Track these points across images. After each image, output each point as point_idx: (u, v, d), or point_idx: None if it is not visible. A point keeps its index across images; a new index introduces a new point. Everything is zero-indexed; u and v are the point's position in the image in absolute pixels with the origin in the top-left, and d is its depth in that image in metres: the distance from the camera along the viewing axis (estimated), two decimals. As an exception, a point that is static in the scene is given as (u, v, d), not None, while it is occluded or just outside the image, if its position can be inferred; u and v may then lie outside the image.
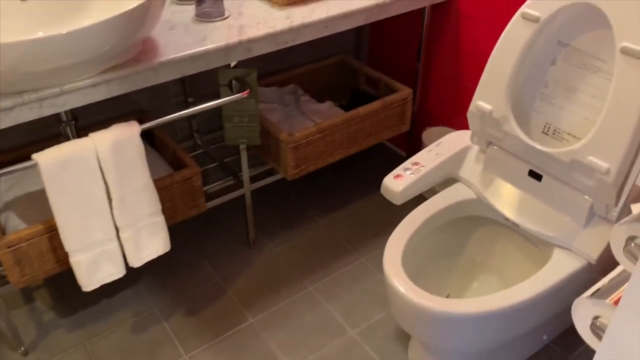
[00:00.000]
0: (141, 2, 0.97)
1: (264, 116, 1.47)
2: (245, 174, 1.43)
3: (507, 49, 1.05)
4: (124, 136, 1.04)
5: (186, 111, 1.17)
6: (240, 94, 1.22)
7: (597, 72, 1.01)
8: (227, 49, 1.14)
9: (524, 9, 1.02)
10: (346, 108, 1.68)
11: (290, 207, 1.70)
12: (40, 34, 0.89)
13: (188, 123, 1.62)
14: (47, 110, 0.99)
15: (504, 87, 1.07)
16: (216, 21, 1.21)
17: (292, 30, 1.21)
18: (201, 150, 1.63)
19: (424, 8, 1.52)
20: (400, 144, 1.88)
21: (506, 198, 1.16)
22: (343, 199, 1.73)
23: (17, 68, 0.89)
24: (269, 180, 1.53)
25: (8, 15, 1.07)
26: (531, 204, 1.12)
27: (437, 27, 1.57)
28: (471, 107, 1.14)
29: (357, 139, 1.55)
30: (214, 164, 1.59)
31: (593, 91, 1.02)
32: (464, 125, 1.62)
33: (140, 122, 1.09)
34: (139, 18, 0.98)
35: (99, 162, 1.03)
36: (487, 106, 1.10)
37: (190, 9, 1.26)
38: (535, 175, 1.11)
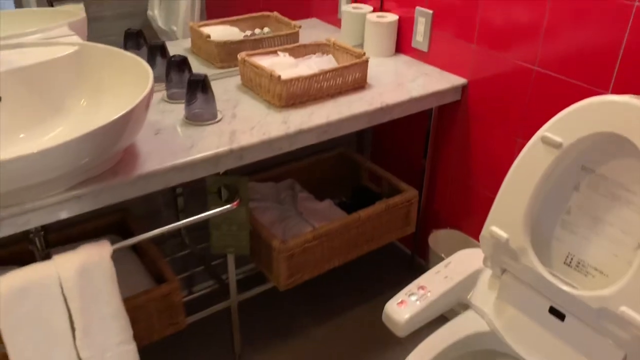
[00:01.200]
0: (124, 112, 0.86)
1: (255, 217, 1.35)
2: (233, 283, 1.30)
3: (525, 173, 0.95)
4: (93, 259, 0.92)
5: (169, 226, 1.06)
6: (229, 205, 1.11)
7: (627, 205, 0.89)
8: (217, 158, 1.04)
9: (544, 132, 0.92)
10: (347, 206, 1.57)
11: (281, 315, 1.56)
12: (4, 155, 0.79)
13: (175, 218, 1.51)
14: (6, 230, 0.87)
15: (522, 215, 0.95)
16: (207, 125, 1.12)
17: (289, 137, 1.12)
18: (187, 251, 1.50)
19: (431, 108, 1.44)
20: (405, 240, 1.76)
21: (523, 334, 1.02)
22: (341, 306, 1.59)
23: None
24: (258, 290, 1.40)
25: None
26: (553, 345, 0.98)
27: (445, 127, 1.48)
28: (484, 232, 1.03)
29: (358, 244, 1.43)
30: (200, 268, 1.46)
31: (623, 225, 0.90)
32: (474, 230, 1.50)
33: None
34: (120, 129, 0.88)
35: (62, 289, 0.91)
36: (502, 234, 0.98)
37: (181, 109, 1.17)
38: (557, 314, 0.98)
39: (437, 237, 1.56)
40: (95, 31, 1.36)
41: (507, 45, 1.24)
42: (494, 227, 1.00)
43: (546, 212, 0.99)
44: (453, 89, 1.36)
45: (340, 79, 1.25)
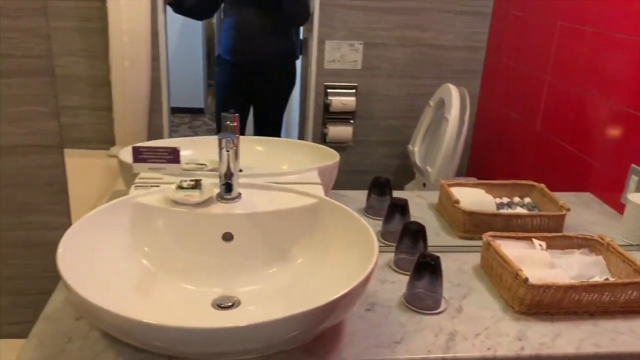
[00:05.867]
0: (343, 292, 0.76)
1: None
2: None
3: None
4: None
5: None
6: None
7: None
8: (423, 365, 0.88)
9: None
10: None
11: None
12: (217, 322, 0.77)
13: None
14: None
15: None
16: (426, 314, 0.97)
17: (520, 360, 0.89)
18: None
19: None
20: None
21: None
22: None
23: (178, 347, 0.77)
24: None
25: (209, 253, 1.01)
26: None
27: None
28: None
29: None
30: None
31: None
32: None
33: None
34: (333, 308, 0.79)
35: None
36: None
37: (403, 283, 1.04)
38: None
39: None
40: (356, 151, 1.37)
41: None
42: None
43: None
44: None
45: (609, 295, 0.98)
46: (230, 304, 0.94)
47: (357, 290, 0.81)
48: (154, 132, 1.37)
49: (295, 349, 0.86)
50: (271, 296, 0.95)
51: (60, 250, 0.83)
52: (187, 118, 1.78)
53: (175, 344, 0.75)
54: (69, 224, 1.14)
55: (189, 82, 1.78)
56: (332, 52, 1.50)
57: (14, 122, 1.06)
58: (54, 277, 1.16)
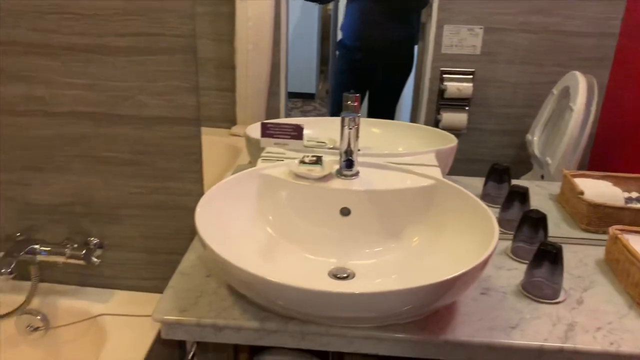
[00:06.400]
0: (458, 273, 0.77)
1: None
2: None
3: None
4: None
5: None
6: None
7: None
8: (539, 353, 0.86)
9: None
10: None
11: None
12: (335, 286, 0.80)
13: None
14: (305, 344, 0.89)
15: None
16: (543, 303, 0.95)
17: (647, 359, 0.85)
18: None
19: None
20: None
21: None
22: None
23: (297, 307, 0.82)
24: None
25: (327, 226, 1.05)
26: None
27: None
28: None
29: None
30: None
31: None
32: None
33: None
34: (448, 287, 0.80)
35: None
36: None
37: (520, 271, 1.03)
38: None
39: None
40: (469, 139, 1.36)
41: None
42: None
43: None
44: None
45: None
46: (345, 275, 0.98)
47: (474, 271, 0.81)
48: (272, 114, 1.44)
49: (409, 323, 0.88)
50: (384, 271, 0.98)
51: (198, 210, 0.91)
52: (299, 102, 1.84)
53: (295, 303, 0.80)
54: (202, 192, 1.24)
55: (303, 67, 1.84)
56: (450, 37, 1.48)
57: (161, 96, 1.17)
58: (186, 239, 1.27)
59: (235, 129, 1.45)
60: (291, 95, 1.74)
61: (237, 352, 1.27)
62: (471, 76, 1.50)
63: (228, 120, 1.50)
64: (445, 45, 1.49)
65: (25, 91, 1.19)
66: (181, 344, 1.33)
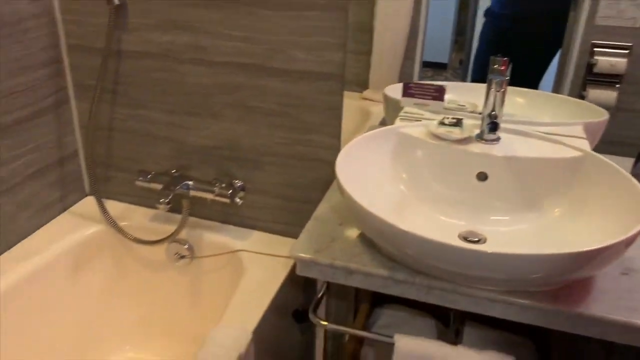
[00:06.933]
0: (600, 245, 0.75)
1: None
2: None
3: None
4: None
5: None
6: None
7: None
8: (684, 340, 0.81)
9: None
10: None
11: None
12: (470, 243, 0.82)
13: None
14: (431, 299, 0.92)
15: None
16: (693, 291, 0.88)
17: None
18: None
19: None
20: None
21: None
22: None
23: (425, 260, 0.85)
24: None
25: (461, 189, 1.05)
26: None
27: None
28: None
29: None
30: None
31: None
32: None
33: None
34: (587, 260, 0.78)
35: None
36: None
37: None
38: None
39: None
40: (616, 119, 1.27)
41: None
42: None
43: None
44: None
45: None
46: (476, 239, 0.98)
47: (616, 247, 0.77)
48: (404, 80, 1.44)
49: (539, 292, 0.86)
50: (518, 239, 0.97)
51: (339, 160, 0.96)
52: (429, 72, 1.82)
53: (425, 255, 0.82)
54: (339, 147, 1.29)
55: (439, 36, 1.80)
56: (608, 7, 1.37)
57: (309, 51, 1.23)
58: (319, 190, 1.34)
59: (367, 93, 1.48)
60: (423, 64, 1.72)
61: (357, 303, 1.34)
62: (627, 51, 1.39)
63: (360, 84, 1.53)
64: (601, 17, 1.39)
65: (191, 41, 1.31)
66: (306, 288, 1.42)
